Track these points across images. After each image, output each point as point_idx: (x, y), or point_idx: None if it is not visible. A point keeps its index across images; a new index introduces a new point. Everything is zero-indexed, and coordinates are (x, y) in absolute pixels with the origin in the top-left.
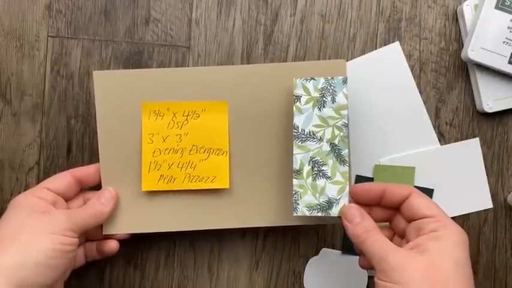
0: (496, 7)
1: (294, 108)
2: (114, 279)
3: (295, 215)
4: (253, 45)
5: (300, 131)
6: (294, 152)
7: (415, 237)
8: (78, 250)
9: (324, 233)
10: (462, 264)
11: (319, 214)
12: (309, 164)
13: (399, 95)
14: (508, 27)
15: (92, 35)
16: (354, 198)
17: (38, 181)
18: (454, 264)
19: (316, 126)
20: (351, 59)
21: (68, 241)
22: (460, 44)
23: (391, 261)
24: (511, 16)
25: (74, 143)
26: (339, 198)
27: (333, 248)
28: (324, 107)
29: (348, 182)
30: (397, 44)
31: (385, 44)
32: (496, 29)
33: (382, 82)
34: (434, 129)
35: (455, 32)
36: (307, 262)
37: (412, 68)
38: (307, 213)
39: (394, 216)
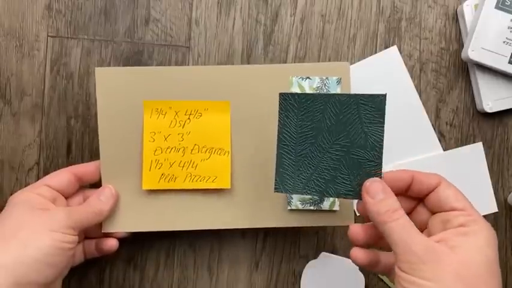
0: (496, 7)
1: None
2: (114, 279)
3: (289, 208)
4: (253, 45)
5: None
6: None
7: (440, 230)
8: (77, 248)
9: (324, 234)
10: (493, 263)
11: (312, 207)
12: None
13: (399, 100)
14: (508, 27)
15: (92, 35)
16: None
17: None
18: (485, 264)
19: None
20: (351, 58)
21: (68, 239)
22: (460, 44)
23: (420, 253)
24: (511, 16)
25: (73, 143)
26: None
27: (333, 250)
28: None
29: None
30: (394, 48)
31: (385, 44)
32: (496, 29)
33: (381, 87)
34: (434, 129)
35: (455, 32)
36: (307, 262)
37: (412, 68)
38: (300, 207)
39: (416, 206)
